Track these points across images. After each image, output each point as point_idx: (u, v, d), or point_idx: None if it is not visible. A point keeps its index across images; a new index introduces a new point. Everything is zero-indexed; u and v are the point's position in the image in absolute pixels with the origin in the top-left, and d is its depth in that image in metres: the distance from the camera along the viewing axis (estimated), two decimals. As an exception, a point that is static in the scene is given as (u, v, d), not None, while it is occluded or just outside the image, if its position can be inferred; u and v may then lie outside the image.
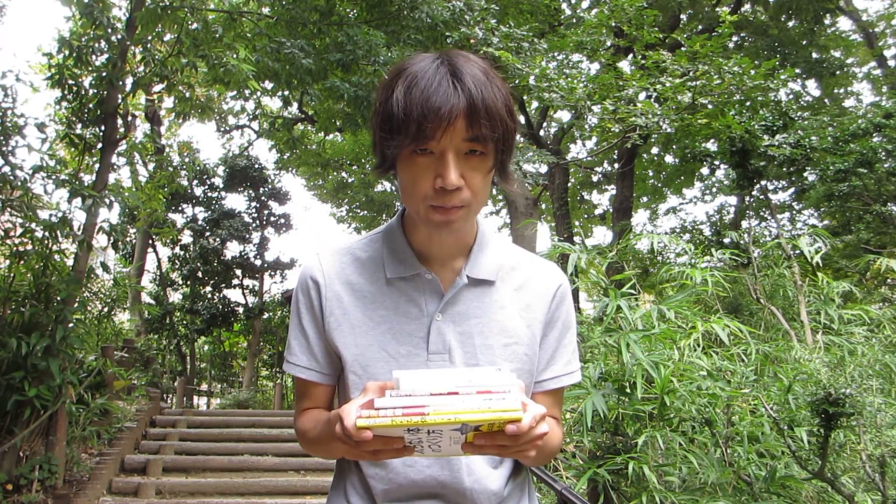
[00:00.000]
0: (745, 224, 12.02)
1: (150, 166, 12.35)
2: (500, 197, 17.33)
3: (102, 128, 6.50)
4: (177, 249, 16.16)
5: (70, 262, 6.30)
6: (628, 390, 2.91)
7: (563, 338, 1.22)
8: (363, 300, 1.15)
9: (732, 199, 15.40)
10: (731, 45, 13.25)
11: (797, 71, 13.88)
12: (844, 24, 15.79)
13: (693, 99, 7.91)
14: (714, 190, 16.35)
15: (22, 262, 6.02)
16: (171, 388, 14.84)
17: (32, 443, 5.81)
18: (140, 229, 14.70)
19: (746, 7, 14.45)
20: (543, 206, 16.53)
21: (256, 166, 16.21)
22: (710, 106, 8.25)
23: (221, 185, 16.28)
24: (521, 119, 13.63)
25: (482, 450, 0.93)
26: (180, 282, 16.39)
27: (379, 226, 1.26)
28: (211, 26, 6.94)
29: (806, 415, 2.95)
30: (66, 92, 6.38)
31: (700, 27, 13.55)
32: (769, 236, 9.96)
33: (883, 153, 9.35)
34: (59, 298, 5.84)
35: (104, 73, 6.29)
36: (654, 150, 17.02)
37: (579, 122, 13.17)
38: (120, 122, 6.72)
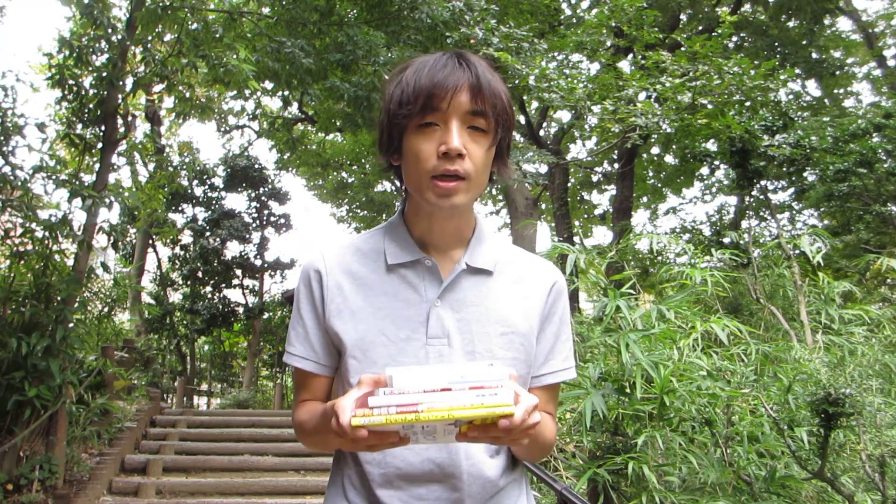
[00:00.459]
0: (744, 224, 12.02)
1: (150, 166, 12.37)
2: (500, 197, 17.34)
3: (102, 128, 6.50)
4: (177, 249, 16.15)
5: (70, 262, 6.30)
6: (628, 390, 2.91)
7: (562, 333, 1.24)
8: (364, 287, 1.18)
9: (732, 199, 15.40)
10: (731, 45, 13.25)
11: (797, 71, 13.88)
12: (844, 24, 15.81)
13: (693, 99, 7.91)
14: (714, 190, 16.35)
15: (22, 262, 6.02)
16: (171, 388, 14.84)
17: (33, 443, 5.81)
18: (140, 229, 14.71)
19: (746, 7, 14.45)
20: (543, 206, 16.53)
21: (256, 166, 16.20)
22: (710, 106, 8.24)
23: (221, 185, 16.27)
24: (521, 119, 13.63)
25: (476, 440, 0.94)
26: (180, 282, 16.39)
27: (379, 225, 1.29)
28: (211, 26, 6.95)
29: (806, 415, 2.95)
30: (66, 92, 6.38)
31: (700, 27, 13.56)
32: (769, 236, 9.96)
33: (883, 153, 9.36)
34: (59, 298, 5.84)
35: (104, 73, 6.29)
36: (654, 150, 17.02)
37: (579, 122, 13.19)
38: (120, 122, 6.72)
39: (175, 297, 16.81)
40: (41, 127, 6.10)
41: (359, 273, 1.19)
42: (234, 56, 6.62)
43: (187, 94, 7.22)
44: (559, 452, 3.92)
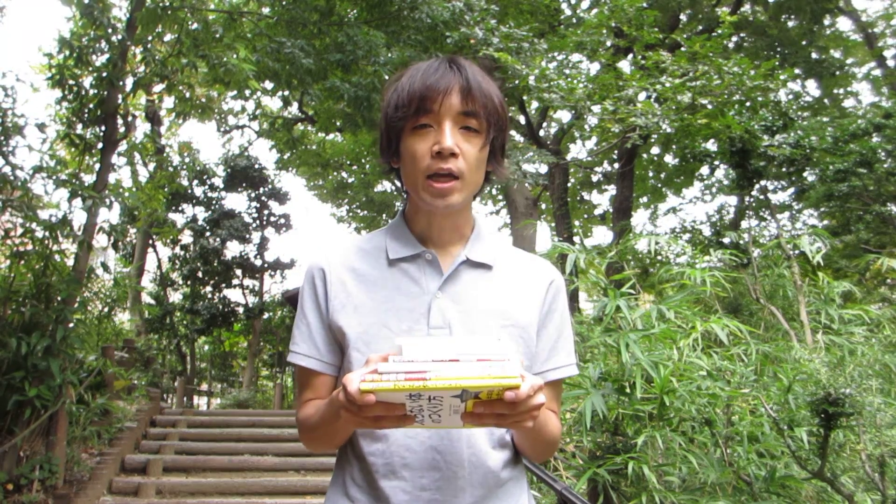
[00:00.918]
0: (744, 224, 12.02)
1: (150, 166, 12.38)
2: (500, 197, 17.33)
3: (102, 128, 6.51)
4: (177, 249, 16.16)
5: (70, 262, 6.30)
6: (628, 390, 2.91)
7: (564, 329, 1.27)
8: (366, 283, 1.21)
9: (732, 199, 15.38)
10: (730, 45, 13.26)
11: (797, 71, 13.88)
12: (844, 24, 15.82)
13: (693, 99, 7.90)
14: (714, 190, 16.34)
15: (22, 262, 6.02)
16: (171, 388, 14.85)
17: (33, 443, 5.81)
18: (140, 229, 14.71)
19: (746, 7, 14.44)
20: (543, 207, 16.52)
21: (256, 166, 16.20)
22: (709, 106, 8.24)
23: (221, 185, 16.27)
24: (521, 119, 13.62)
25: (481, 419, 0.95)
26: (180, 282, 16.39)
27: (379, 226, 1.31)
28: (211, 26, 6.95)
29: (806, 415, 2.95)
30: (66, 92, 6.38)
31: (700, 27, 13.55)
32: (769, 236, 9.95)
33: (882, 153, 9.36)
34: (59, 298, 5.84)
35: (104, 74, 6.29)
36: (654, 150, 17.01)
37: (579, 122, 13.19)
38: (120, 122, 6.72)
39: (175, 297, 16.82)
40: (41, 127, 6.11)
41: (361, 269, 1.22)
42: (234, 56, 6.63)
43: (187, 94, 7.22)
44: (559, 452, 3.92)
